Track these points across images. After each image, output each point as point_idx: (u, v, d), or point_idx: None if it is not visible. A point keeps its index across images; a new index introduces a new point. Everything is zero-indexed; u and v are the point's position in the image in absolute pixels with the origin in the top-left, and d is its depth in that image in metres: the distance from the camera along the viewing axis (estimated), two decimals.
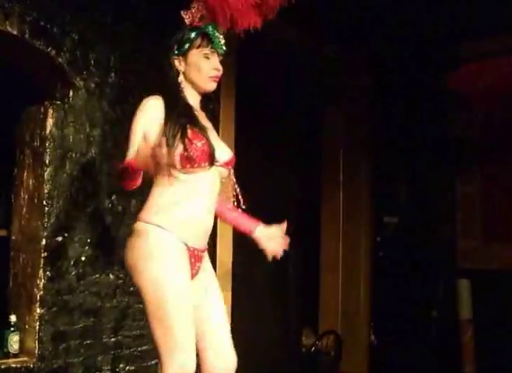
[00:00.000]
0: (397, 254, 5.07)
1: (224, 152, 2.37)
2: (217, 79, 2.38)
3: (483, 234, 4.99)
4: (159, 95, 2.32)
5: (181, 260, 2.25)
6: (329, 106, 5.26)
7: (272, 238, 2.49)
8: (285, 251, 2.52)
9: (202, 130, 2.28)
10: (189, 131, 2.23)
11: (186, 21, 2.38)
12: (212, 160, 2.26)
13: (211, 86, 2.38)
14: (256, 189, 4.77)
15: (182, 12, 2.38)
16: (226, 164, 2.36)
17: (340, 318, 5.03)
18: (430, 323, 4.91)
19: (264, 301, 4.85)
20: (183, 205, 2.26)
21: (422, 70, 4.89)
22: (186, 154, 2.20)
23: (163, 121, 2.23)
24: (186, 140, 2.20)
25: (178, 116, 2.25)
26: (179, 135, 2.20)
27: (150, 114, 2.26)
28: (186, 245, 2.27)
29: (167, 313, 2.17)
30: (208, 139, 2.26)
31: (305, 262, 5.18)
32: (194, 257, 2.31)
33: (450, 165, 4.99)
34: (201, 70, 2.34)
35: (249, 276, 4.53)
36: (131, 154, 2.19)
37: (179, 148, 2.21)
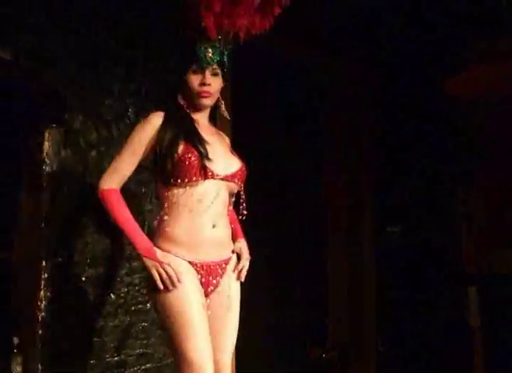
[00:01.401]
0: (401, 263, 5.04)
1: (228, 165, 2.37)
2: (206, 94, 2.37)
3: (489, 239, 4.95)
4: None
5: (187, 281, 2.26)
6: (329, 115, 5.26)
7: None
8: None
9: (198, 143, 2.29)
10: (181, 146, 2.26)
11: (184, 36, 2.40)
12: (204, 174, 2.27)
13: (201, 102, 2.39)
14: (256, 203, 4.81)
15: (181, 27, 2.42)
16: (232, 177, 2.36)
17: (347, 330, 5.01)
18: (438, 331, 4.87)
19: (270, 314, 4.84)
20: (185, 222, 2.28)
21: (422, 76, 4.88)
22: (175, 168, 2.24)
23: (154, 135, 2.31)
24: (175, 155, 2.23)
25: (172, 128, 2.29)
26: (169, 148, 2.25)
27: (144, 132, 2.33)
28: (194, 263, 2.29)
29: (178, 336, 2.21)
30: (201, 152, 2.27)
31: (311, 274, 5.17)
32: (209, 273, 2.32)
33: (452, 171, 4.96)
34: (189, 86, 2.37)
35: (255, 290, 4.53)
36: (108, 177, 2.32)
37: (169, 162, 2.24)
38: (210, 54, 2.35)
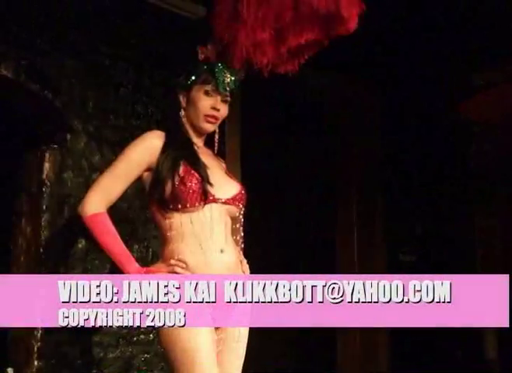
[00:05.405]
0: None
1: (229, 189, 2.24)
2: (213, 120, 2.24)
3: (505, 269, 4.81)
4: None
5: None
6: (340, 143, 5.16)
7: None
8: None
9: (198, 167, 2.17)
10: (181, 168, 2.14)
11: (199, 56, 2.26)
12: (205, 199, 2.15)
13: (205, 126, 2.26)
14: (267, 230, 4.71)
15: (198, 47, 2.27)
16: (232, 200, 2.23)
17: (359, 365, 4.84)
18: (454, 364, 4.70)
19: (281, 351, 4.71)
20: (191, 250, 2.14)
21: (436, 101, 4.78)
22: (174, 193, 2.11)
23: (153, 158, 2.17)
24: (176, 178, 2.12)
25: (173, 152, 2.17)
26: (169, 172, 2.12)
27: (142, 152, 2.19)
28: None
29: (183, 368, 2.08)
30: (202, 176, 2.15)
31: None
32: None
33: (468, 199, 4.83)
34: (197, 107, 2.23)
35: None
36: (94, 198, 2.15)
37: (168, 187, 2.12)
38: (228, 80, 2.23)
